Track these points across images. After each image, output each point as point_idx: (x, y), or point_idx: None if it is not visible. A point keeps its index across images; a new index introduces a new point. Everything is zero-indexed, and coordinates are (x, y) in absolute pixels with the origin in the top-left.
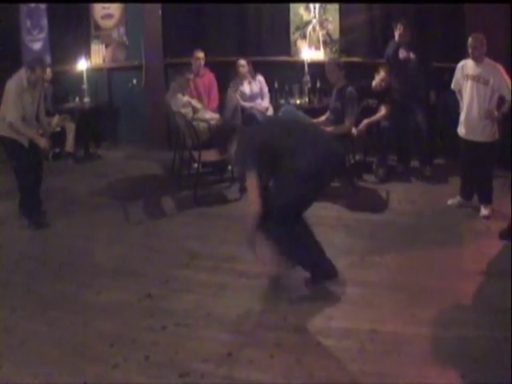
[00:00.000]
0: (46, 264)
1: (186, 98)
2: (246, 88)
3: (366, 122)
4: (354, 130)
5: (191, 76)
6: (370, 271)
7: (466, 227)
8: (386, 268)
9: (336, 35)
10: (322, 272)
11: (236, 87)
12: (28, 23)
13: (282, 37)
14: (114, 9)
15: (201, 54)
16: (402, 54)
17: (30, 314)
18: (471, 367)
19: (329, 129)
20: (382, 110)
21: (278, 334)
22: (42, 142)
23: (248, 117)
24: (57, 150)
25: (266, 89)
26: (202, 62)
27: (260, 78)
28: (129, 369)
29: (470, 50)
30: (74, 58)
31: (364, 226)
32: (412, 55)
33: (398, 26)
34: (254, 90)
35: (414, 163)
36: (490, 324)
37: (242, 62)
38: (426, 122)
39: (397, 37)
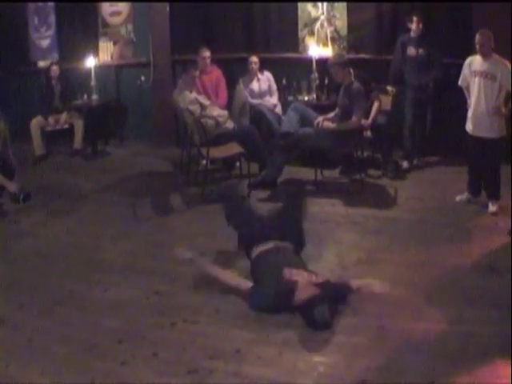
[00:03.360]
0: (54, 261)
1: (193, 95)
2: (255, 85)
3: (368, 122)
4: (363, 122)
5: (197, 73)
6: (378, 267)
7: (474, 223)
8: (393, 264)
9: (344, 32)
10: None
11: (245, 84)
12: (36, 20)
13: (289, 33)
14: (122, 6)
15: (207, 53)
16: (411, 50)
17: (37, 311)
18: (479, 363)
19: (337, 125)
20: (375, 103)
21: (286, 330)
22: (12, 187)
23: (257, 114)
24: (25, 193)
25: (274, 86)
26: (208, 61)
27: (268, 74)
28: (137, 365)
29: (477, 46)
30: (81, 55)
31: (372, 222)
32: (421, 51)
33: (414, 19)
34: (262, 87)
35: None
36: (497, 320)
37: (255, 58)
38: (431, 120)
39: (412, 30)
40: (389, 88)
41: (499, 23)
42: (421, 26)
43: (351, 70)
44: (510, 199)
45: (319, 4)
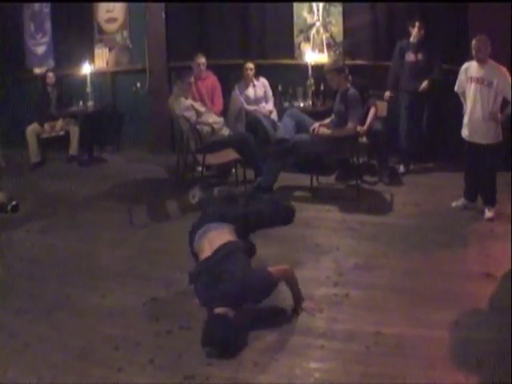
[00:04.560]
0: (50, 267)
1: (188, 102)
2: (251, 91)
3: (364, 128)
4: (359, 129)
5: (192, 80)
6: (375, 273)
7: (470, 229)
8: (390, 270)
9: (340, 38)
10: None
11: (241, 90)
12: (31, 27)
13: (285, 39)
14: (118, 12)
15: (202, 60)
16: (409, 56)
17: (34, 318)
18: (475, 369)
19: (332, 131)
20: (372, 110)
21: (282, 336)
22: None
23: (252, 120)
24: (14, 203)
25: (270, 92)
26: (204, 67)
27: (264, 81)
28: (133, 372)
29: (473, 52)
30: (77, 62)
31: (368, 228)
32: (420, 56)
33: (416, 24)
34: (258, 94)
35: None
36: (493, 326)
37: (250, 65)
38: (428, 124)
39: (413, 35)
40: (387, 93)
41: (495, 29)
42: (422, 31)
43: (349, 77)
44: (511, 207)
45: (315, 10)
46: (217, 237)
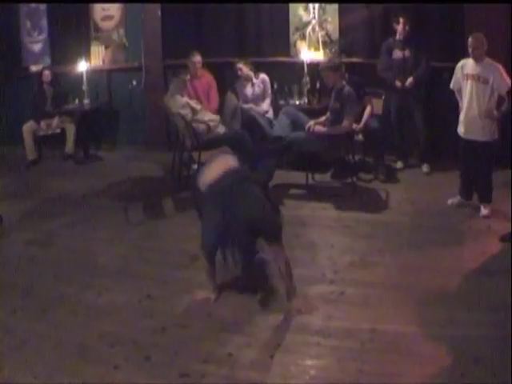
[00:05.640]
0: (46, 265)
1: (184, 99)
2: (249, 90)
3: (360, 126)
4: (355, 126)
5: (187, 77)
6: (370, 271)
7: (466, 227)
8: (385, 268)
9: (335, 36)
10: None
11: (239, 89)
12: (28, 24)
13: (281, 37)
14: (114, 10)
15: (197, 58)
16: (396, 53)
17: (30, 315)
18: (471, 366)
19: (328, 129)
20: (367, 108)
21: (278, 334)
22: None
23: (248, 118)
24: None
25: (269, 90)
26: (199, 65)
27: (264, 78)
28: (129, 369)
29: (469, 50)
30: (73, 60)
31: (364, 226)
32: (407, 53)
33: (400, 21)
34: (256, 92)
35: (412, 162)
36: (490, 323)
37: (239, 65)
38: (424, 121)
39: (398, 32)
40: (397, 82)
41: (491, 26)
42: (407, 27)
43: (346, 75)
44: (510, 205)
45: (310, 8)
46: (224, 161)
